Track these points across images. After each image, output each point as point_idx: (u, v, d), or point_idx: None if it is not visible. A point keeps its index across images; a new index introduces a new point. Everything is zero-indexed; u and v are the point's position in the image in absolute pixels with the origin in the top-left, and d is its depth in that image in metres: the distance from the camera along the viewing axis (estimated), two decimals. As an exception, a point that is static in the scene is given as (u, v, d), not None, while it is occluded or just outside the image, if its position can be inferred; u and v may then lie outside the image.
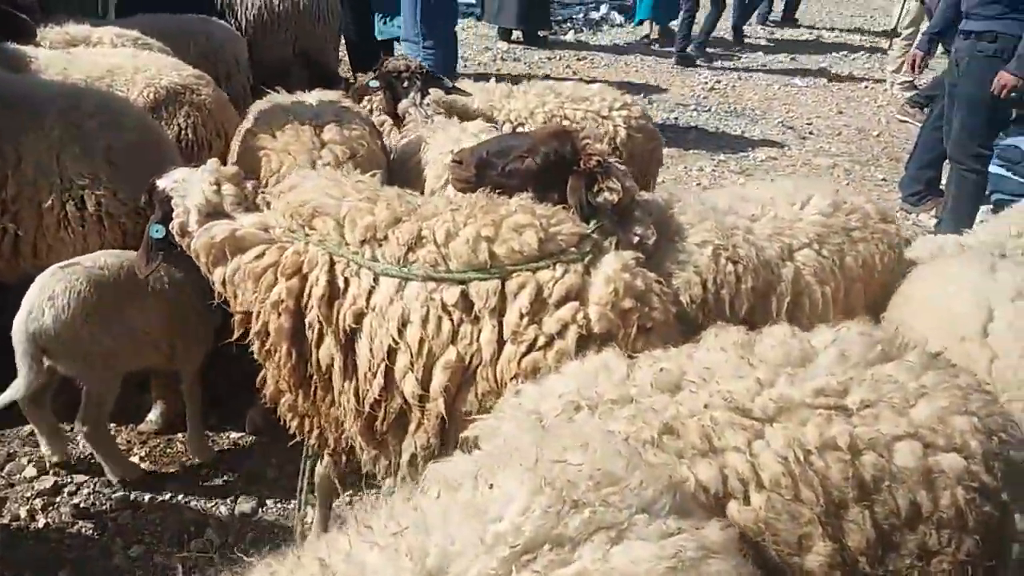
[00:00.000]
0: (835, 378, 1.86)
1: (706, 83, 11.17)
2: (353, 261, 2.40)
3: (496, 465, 1.49)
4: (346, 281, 2.41)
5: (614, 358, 1.96)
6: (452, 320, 2.33)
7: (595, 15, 14.84)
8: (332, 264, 2.42)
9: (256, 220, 2.61)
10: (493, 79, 5.15)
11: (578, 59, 11.94)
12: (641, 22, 14.03)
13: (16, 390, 3.28)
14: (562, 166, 2.83)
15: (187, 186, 2.75)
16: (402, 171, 4.06)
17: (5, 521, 3.28)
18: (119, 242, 3.53)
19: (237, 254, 2.55)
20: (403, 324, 2.35)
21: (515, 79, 10.08)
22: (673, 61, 12.08)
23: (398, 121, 4.50)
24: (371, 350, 2.38)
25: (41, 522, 3.29)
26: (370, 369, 2.38)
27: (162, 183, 2.85)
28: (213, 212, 2.67)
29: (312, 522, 3.29)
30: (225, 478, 3.60)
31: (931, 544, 1.72)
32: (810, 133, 9.41)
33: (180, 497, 3.47)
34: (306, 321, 2.45)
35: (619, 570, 1.28)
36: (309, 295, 2.43)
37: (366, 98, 4.73)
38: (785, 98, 10.87)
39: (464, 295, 2.33)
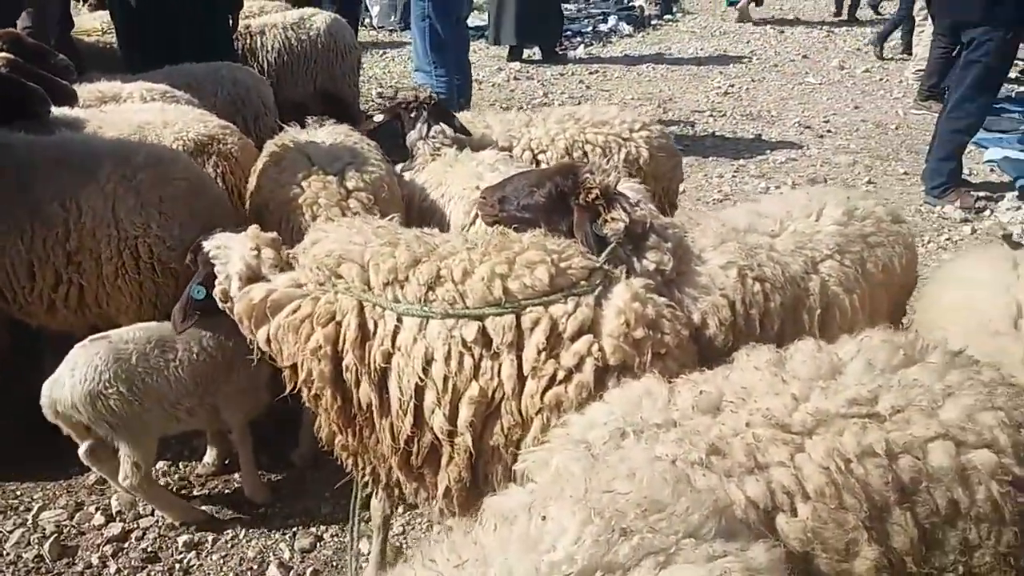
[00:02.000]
0: (865, 387, 1.94)
1: (719, 88, 11.23)
2: (378, 304, 2.51)
3: (548, 497, 1.59)
4: (374, 323, 2.51)
5: (655, 384, 2.05)
6: (473, 356, 2.41)
7: (604, 27, 14.97)
8: (361, 308, 2.53)
9: (289, 278, 2.72)
10: (514, 110, 5.23)
11: (590, 73, 12.05)
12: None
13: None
14: (566, 200, 2.92)
15: (229, 252, 2.91)
16: (420, 207, 4.17)
17: (79, 569, 3.43)
18: (172, 287, 3.72)
19: (276, 312, 2.66)
20: (427, 362, 2.44)
21: (530, 98, 10.27)
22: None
23: (408, 154, 4.57)
24: (400, 388, 2.48)
25: (112, 568, 3.44)
26: (401, 407, 2.48)
27: (207, 245, 3.02)
28: (253, 276, 2.81)
29: (367, 553, 3.42)
30: (282, 516, 3.73)
31: (972, 539, 1.79)
32: (828, 131, 9.43)
33: (242, 536, 3.61)
34: (343, 364, 2.56)
35: None
36: (344, 340, 2.54)
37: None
38: (800, 97, 10.89)
39: (482, 331, 2.42)
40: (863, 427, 1.84)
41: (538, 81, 11.55)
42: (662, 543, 1.45)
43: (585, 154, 4.63)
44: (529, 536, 1.47)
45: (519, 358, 2.41)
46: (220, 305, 2.96)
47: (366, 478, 2.86)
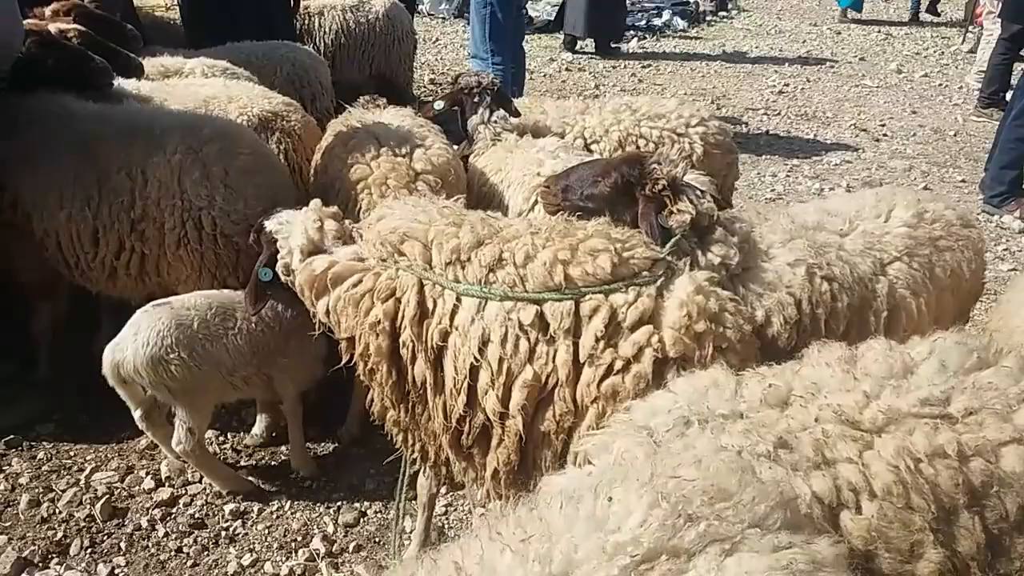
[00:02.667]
0: (937, 387, 1.90)
1: (774, 86, 11.08)
2: (438, 283, 2.52)
3: (614, 479, 1.58)
4: (433, 302, 2.52)
5: (722, 375, 2.02)
6: (529, 340, 2.41)
7: (657, 22, 14.85)
8: (421, 286, 2.54)
9: (351, 251, 2.75)
10: (571, 98, 5.22)
11: (643, 67, 11.97)
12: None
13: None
14: (631, 190, 2.90)
15: (291, 227, 2.93)
16: (479, 192, 4.18)
17: (128, 530, 3.51)
18: (232, 259, 3.78)
19: (337, 284, 2.69)
20: (483, 343, 2.44)
21: (582, 90, 10.24)
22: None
23: (468, 138, 4.58)
24: (456, 367, 2.49)
25: (160, 531, 3.51)
26: (455, 386, 2.49)
27: (269, 224, 3.04)
28: (315, 249, 2.82)
29: (410, 531, 3.45)
30: (327, 490, 3.77)
31: (1040, 546, 1.75)
32: (884, 135, 9.26)
33: (287, 508, 3.66)
34: (400, 340, 2.58)
35: None
36: (402, 316, 2.55)
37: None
38: (856, 99, 10.70)
39: (540, 315, 2.41)
40: (935, 427, 1.80)
41: (590, 73, 11.50)
42: (728, 531, 1.43)
43: (638, 148, 4.58)
44: (595, 516, 1.47)
45: (575, 345, 2.40)
46: (284, 280, 2.97)
47: (415, 455, 2.88)
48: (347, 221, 2.94)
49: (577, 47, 12.57)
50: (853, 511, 1.71)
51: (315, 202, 3.00)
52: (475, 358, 2.45)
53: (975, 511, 1.73)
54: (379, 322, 2.58)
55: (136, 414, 3.64)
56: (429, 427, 2.70)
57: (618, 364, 2.36)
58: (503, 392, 2.44)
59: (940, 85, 11.47)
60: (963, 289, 3.22)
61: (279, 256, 2.96)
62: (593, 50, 12.48)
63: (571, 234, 2.55)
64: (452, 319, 2.49)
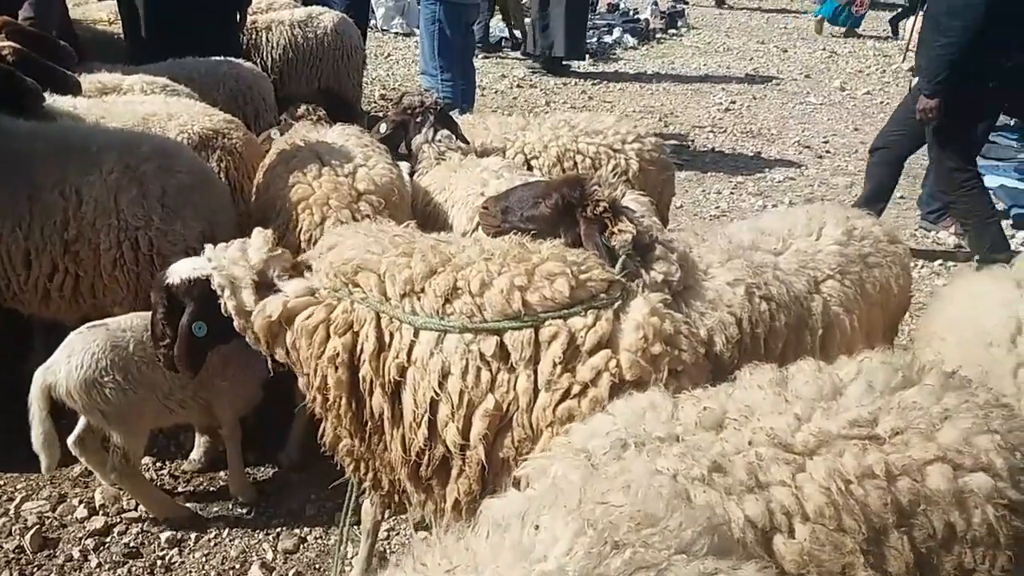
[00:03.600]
0: (865, 408, 1.93)
1: (721, 104, 11.27)
2: (395, 317, 2.46)
3: (542, 506, 1.57)
4: (390, 335, 2.47)
5: (659, 397, 2.03)
6: (491, 370, 2.37)
7: (608, 39, 15.01)
8: (378, 319, 2.48)
9: (302, 286, 2.65)
10: (515, 114, 5.25)
11: (593, 84, 12.09)
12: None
13: (34, 438, 3.38)
14: (572, 212, 2.90)
15: (228, 265, 2.74)
16: (423, 211, 4.15)
17: (60, 561, 3.40)
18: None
19: (291, 322, 2.60)
20: (444, 376, 2.40)
21: (532, 106, 10.29)
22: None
23: (412, 158, 4.56)
24: (415, 401, 2.44)
25: (94, 562, 3.40)
26: (415, 419, 2.44)
27: (181, 274, 2.81)
28: (264, 284, 2.69)
29: (351, 557, 3.39)
30: (266, 515, 3.70)
31: (967, 563, 1.78)
32: (827, 152, 9.47)
33: (225, 535, 3.57)
34: (359, 374, 2.52)
35: None
36: (361, 350, 2.50)
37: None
38: (801, 117, 10.94)
39: (500, 345, 2.38)
40: (863, 448, 1.83)
41: (541, 90, 11.57)
42: (654, 558, 1.43)
43: (575, 164, 4.64)
44: (521, 545, 1.45)
45: (535, 371, 2.37)
46: (236, 324, 2.74)
47: (365, 483, 2.82)
48: (281, 250, 2.82)
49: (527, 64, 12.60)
50: (786, 535, 1.73)
51: (258, 232, 2.86)
52: (435, 392, 2.40)
53: (904, 531, 1.76)
54: (337, 355, 2.51)
55: (70, 439, 3.52)
56: (386, 458, 2.63)
57: (575, 388, 2.33)
58: (463, 423, 2.40)
59: (881, 103, 11.79)
60: (892, 304, 3.32)
61: (223, 300, 2.74)
62: (542, 67, 12.51)
63: (526, 258, 2.51)
64: (410, 353, 2.44)
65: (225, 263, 2.74)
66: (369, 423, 2.57)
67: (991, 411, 1.98)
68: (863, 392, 2.00)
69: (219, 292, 2.72)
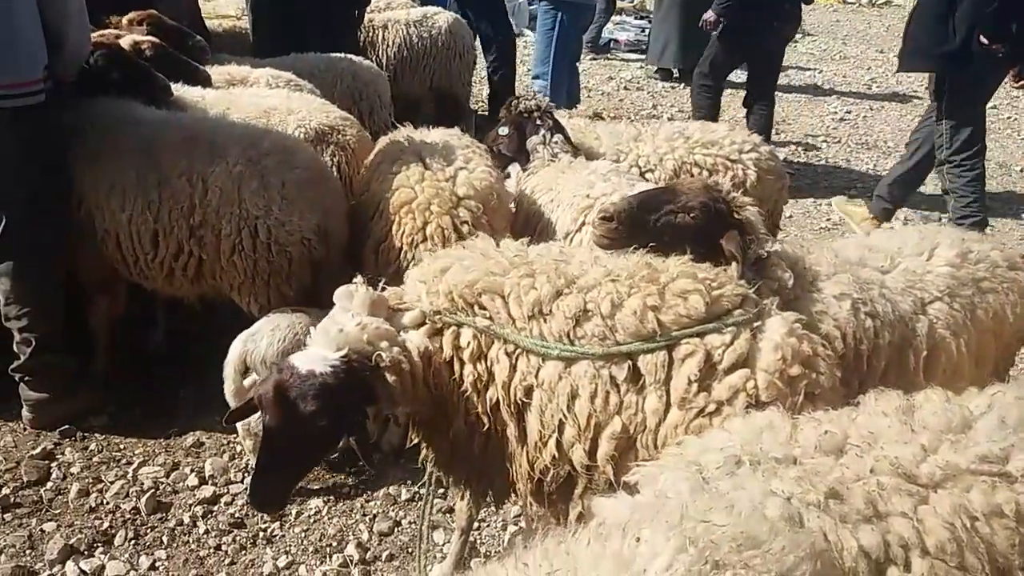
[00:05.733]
0: (996, 444, 1.86)
1: (836, 114, 10.90)
2: (522, 343, 2.44)
3: (644, 519, 1.58)
4: (517, 358, 2.47)
5: (778, 417, 1.99)
6: (619, 393, 2.35)
7: (720, 43, 14.69)
8: (505, 341, 2.48)
9: (420, 329, 2.57)
10: (624, 121, 5.23)
11: (702, 89, 11.86)
12: None
13: (227, 392, 3.60)
14: (717, 221, 2.87)
15: (382, 337, 2.51)
16: (531, 209, 4.20)
17: (171, 525, 3.61)
18: (284, 268, 3.89)
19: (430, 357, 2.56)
20: (571, 398, 2.38)
21: (639, 110, 10.20)
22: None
23: (524, 158, 4.60)
24: (542, 422, 2.44)
25: (202, 528, 3.60)
26: (540, 439, 2.44)
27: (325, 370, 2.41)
28: (390, 341, 2.52)
29: (441, 544, 3.51)
30: (364, 497, 3.83)
31: (1093, 611, 1.70)
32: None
33: (324, 512, 3.72)
34: (487, 395, 2.53)
35: None
36: (492, 374, 2.50)
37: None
38: (921, 129, 10.44)
39: (633, 368, 2.35)
40: (992, 485, 1.77)
41: (648, 92, 11.45)
42: (755, 579, 1.43)
43: (692, 176, 4.58)
44: (622, 555, 1.47)
45: (667, 390, 2.34)
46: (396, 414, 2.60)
47: (465, 490, 2.87)
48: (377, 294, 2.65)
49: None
50: (902, 568, 1.67)
51: (351, 289, 2.61)
52: (563, 414, 2.39)
53: (1031, 573, 1.70)
54: (476, 380, 2.52)
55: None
56: (509, 476, 2.63)
57: (711, 407, 2.29)
58: (590, 445, 2.39)
59: (1009, 118, 11.15)
60: (1007, 332, 3.19)
61: (381, 395, 2.47)
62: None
63: (655, 278, 2.47)
64: (537, 375, 2.44)
65: (372, 336, 2.50)
66: (488, 443, 2.58)
67: None
68: (995, 427, 1.92)
69: (390, 367, 2.47)
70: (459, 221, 3.70)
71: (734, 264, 2.73)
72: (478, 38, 8.64)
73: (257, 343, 3.51)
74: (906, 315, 2.91)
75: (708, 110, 8.21)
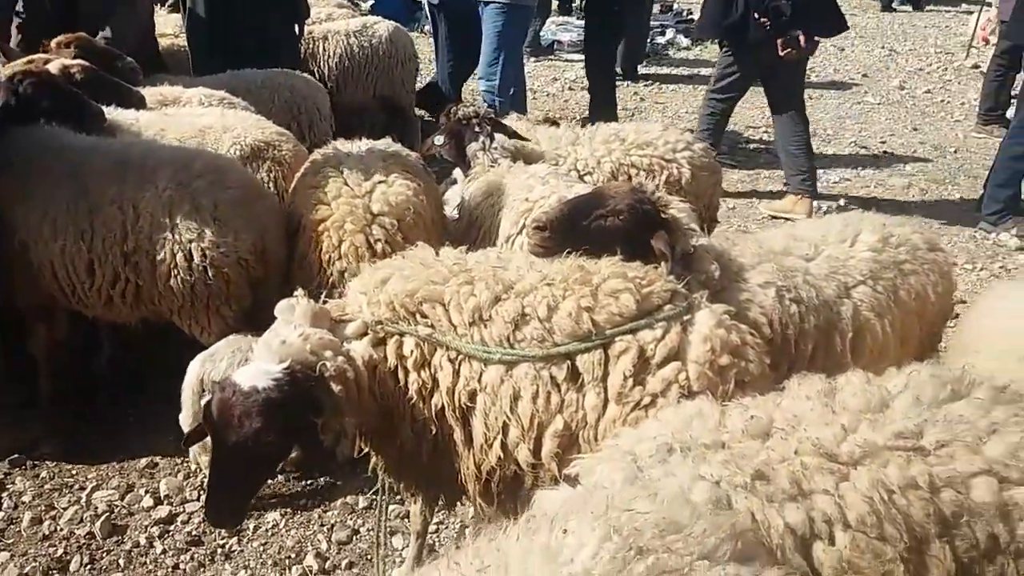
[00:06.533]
0: (911, 421, 1.96)
1: (776, 104, 11.11)
2: (464, 349, 2.52)
3: (571, 511, 1.64)
4: (459, 364, 2.55)
5: (708, 405, 2.08)
6: (560, 392, 2.44)
7: (661, 40, 14.90)
8: (447, 348, 2.55)
9: (363, 339, 2.61)
10: (563, 124, 5.31)
11: (646, 86, 12.03)
12: None
13: (183, 418, 3.60)
14: (645, 221, 2.95)
15: (326, 347, 2.55)
16: (473, 214, 4.25)
17: (127, 547, 3.60)
18: (223, 290, 3.85)
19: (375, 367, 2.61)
20: (514, 400, 2.46)
21: (584, 109, 10.31)
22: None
23: (464, 165, 4.66)
24: (486, 425, 2.52)
25: (159, 548, 3.59)
26: (486, 441, 2.52)
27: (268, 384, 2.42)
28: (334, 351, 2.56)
29: (401, 549, 3.55)
30: (321, 508, 3.84)
31: (1009, 574, 1.80)
32: (884, 152, 9.29)
33: (282, 525, 3.74)
34: (432, 401, 2.59)
35: None
36: (436, 381, 2.57)
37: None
38: (858, 116, 10.73)
39: (572, 368, 2.44)
40: (908, 460, 1.86)
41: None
42: (676, 563, 1.49)
43: (630, 177, 4.69)
44: (549, 548, 1.53)
45: (604, 387, 2.43)
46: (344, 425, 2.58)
47: (416, 496, 2.91)
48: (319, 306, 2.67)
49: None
50: (826, 542, 1.76)
51: (292, 303, 2.64)
52: (507, 416, 2.47)
53: (946, 541, 1.79)
54: (421, 387, 2.58)
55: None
56: (458, 479, 2.69)
57: (646, 400, 2.39)
58: (534, 444, 2.48)
59: (942, 101, 11.49)
60: (930, 311, 3.33)
61: (324, 400, 2.49)
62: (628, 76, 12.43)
63: (588, 280, 2.56)
64: (480, 379, 2.52)
65: (315, 346, 2.53)
66: (436, 448, 2.63)
67: (1041, 425, 1.99)
68: (910, 405, 2.02)
69: (335, 376, 2.49)
70: (373, 239, 3.74)
71: (663, 262, 2.80)
72: (447, 49, 8.84)
73: (216, 364, 3.49)
74: (830, 299, 3.03)
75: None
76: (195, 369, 3.56)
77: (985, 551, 1.80)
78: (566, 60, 13.33)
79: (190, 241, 3.77)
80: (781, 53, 6.92)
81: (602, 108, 9.16)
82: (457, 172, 4.65)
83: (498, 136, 4.60)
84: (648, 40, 14.12)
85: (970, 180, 8.33)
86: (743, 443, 1.92)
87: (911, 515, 1.79)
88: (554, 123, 5.68)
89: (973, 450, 1.89)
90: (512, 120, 5.05)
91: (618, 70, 12.37)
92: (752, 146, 9.47)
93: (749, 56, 7.32)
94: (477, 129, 4.59)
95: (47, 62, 4.52)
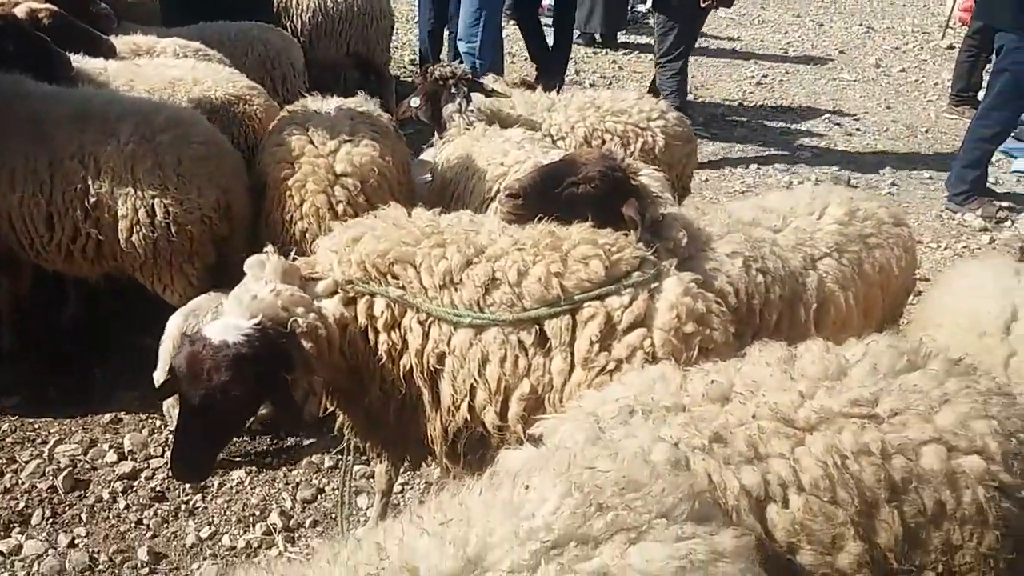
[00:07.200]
0: (867, 389, 2.02)
1: (753, 78, 11.13)
2: (434, 312, 2.53)
3: (533, 468, 1.67)
4: (430, 325, 2.56)
5: (670, 369, 2.13)
6: (527, 356, 2.47)
7: (641, 8, 14.79)
8: (418, 310, 2.56)
9: (333, 297, 2.61)
10: (538, 89, 5.27)
11: (624, 54, 11.97)
12: None
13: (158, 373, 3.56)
14: (616, 189, 2.96)
15: (298, 303, 2.55)
16: (446, 176, 4.22)
17: (90, 502, 3.59)
18: (186, 247, 3.80)
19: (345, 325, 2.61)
20: (482, 364, 2.49)
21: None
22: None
23: (439, 126, 4.63)
24: (454, 387, 2.54)
25: (122, 504, 3.59)
26: (454, 403, 2.55)
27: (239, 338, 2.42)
28: (305, 307, 2.55)
29: (366, 508, 3.57)
30: (287, 467, 3.86)
31: (955, 539, 1.87)
32: (857, 130, 9.35)
33: (247, 483, 3.74)
34: (401, 362, 2.61)
35: (634, 567, 1.45)
36: (405, 342, 2.58)
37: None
38: (833, 93, 10.78)
39: (540, 332, 2.47)
40: (862, 427, 1.92)
41: (571, 58, 11.47)
42: (635, 520, 1.53)
43: (603, 143, 4.68)
44: (512, 502, 1.56)
45: (571, 352, 2.46)
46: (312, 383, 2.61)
47: (382, 455, 2.92)
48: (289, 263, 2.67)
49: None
50: (780, 505, 1.83)
51: (263, 259, 2.63)
52: (474, 379, 2.49)
53: (895, 505, 1.86)
54: (391, 348, 2.58)
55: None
56: (424, 440, 2.71)
57: (611, 365, 2.43)
58: (501, 407, 2.51)
59: (917, 81, 11.57)
60: (893, 285, 3.41)
61: (295, 354, 2.49)
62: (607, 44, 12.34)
63: (558, 246, 2.59)
64: (449, 342, 2.53)
65: (287, 302, 2.53)
66: (404, 409, 2.65)
67: (991, 398, 2.06)
68: (867, 373, 2.08)
69: (306, 333, 2.50)
70: (335, 200, 3.71)
71: (633, 229, 2.82)
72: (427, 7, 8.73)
73: (199, 319, 3.44)
74: (796, 270, 3.08)
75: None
76: (176, 323, 3.53)
77: (932, 516, 1.87)
78: (546, 25, 13.20)
79: (153, 197, 3.70)
80: (703, 5, 7.95)
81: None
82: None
83: (475, 97, 4.56)
84: (628, 8, 14.01)
85: (940, 160, 8.43)
86: (703, 407, 1.97)
87: (863, 480, 1.85)
88: (530, 86, 5.64)
89: (925, 419, 1.96)
90: (489, 81, 5.01)
91: (597, 37, 12.34)
92: (728, 118, 9.49)
93: (679, 14, 8.13)
94: (453, 90, 4.54)
95: (15, 5, 4.38)
